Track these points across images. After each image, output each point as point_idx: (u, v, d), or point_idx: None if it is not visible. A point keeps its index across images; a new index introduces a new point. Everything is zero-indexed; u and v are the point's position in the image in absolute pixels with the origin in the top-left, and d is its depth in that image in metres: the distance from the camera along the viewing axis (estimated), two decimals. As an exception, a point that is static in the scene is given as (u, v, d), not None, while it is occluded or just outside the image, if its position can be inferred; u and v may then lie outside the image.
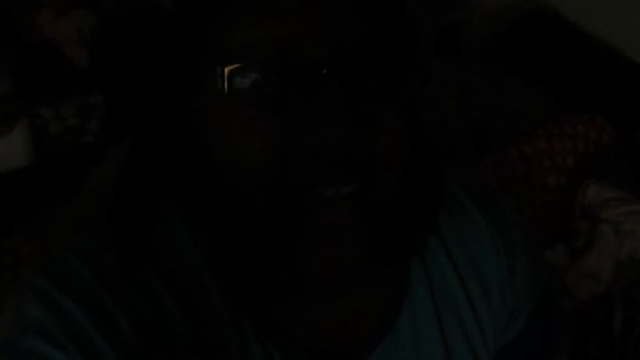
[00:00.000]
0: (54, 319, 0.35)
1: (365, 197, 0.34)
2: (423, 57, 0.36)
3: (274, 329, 0.40)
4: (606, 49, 1.45)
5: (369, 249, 0.36)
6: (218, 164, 0.35)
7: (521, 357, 0.49)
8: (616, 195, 1.12)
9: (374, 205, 0.35)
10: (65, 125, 1.26)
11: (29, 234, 1.07)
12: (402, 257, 0.44)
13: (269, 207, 0.34)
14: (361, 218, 0.34)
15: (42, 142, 1.25)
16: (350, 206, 0.34)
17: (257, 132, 0.33)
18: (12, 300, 0.47)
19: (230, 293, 0.39)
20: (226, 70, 0.33)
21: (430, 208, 0.43)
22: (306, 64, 0.33)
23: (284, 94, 0.33)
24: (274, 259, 0.37)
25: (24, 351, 0.35)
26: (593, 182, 1.16)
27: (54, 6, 1.41)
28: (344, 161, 0.33)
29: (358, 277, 0.41)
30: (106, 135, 1.25)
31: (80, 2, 1.41)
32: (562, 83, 1.41)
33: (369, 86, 0.34)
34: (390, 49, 0.34)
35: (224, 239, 0.40)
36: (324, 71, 0.32)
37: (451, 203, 0.47)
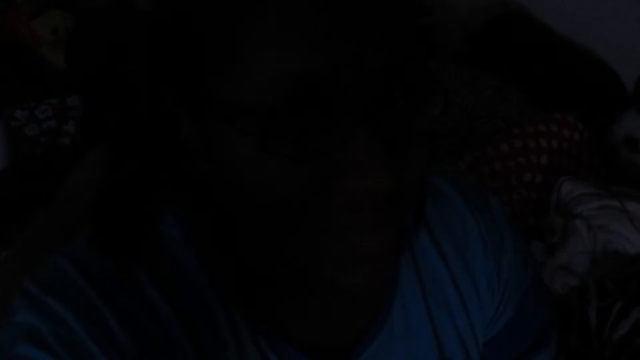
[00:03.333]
0: (46, 325, 0.35)
1: (402, 230, 0.34)
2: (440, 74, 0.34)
3: (268, 329, 0.40)
4: (578, 49, 1.48)
5: (393, 268, 0.36)
6: (240, 202, 0.33)
7: (509, 349, 0.49)
8: (589, 191, 1.15)
9: (405, 233, 0.35)
10: (41, 127, 1.24)
11: (6, 238, 1.06)
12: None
13: (302, 251, 0.33)
14: (397, 249, 0.34)
15: (18, 145, 1.23)
16: (393, 241, 0.33)
17: (291, 181, 0.31)
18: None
19: (225, 294, 0.39)
20: (250, 119, 0.29)
21: (417, 200, 0.43)
22: (337, 102, 0.30)
23: (316, 137, 0.30)
24: (296, 278, 0.36)
25: (16, 358, 0.34)
26: (567, 179, 1.19)
27: (28, 6, 1.38)
28: (385, 204, 0.31)
29: None
30: (84, 137, 1.23)
31: (55, 1, 1.38)
32: (535, 83, 1.43)
33: (398, 117, 0.31)
34: (416, 75, 0.32)
35: (231, 255, 0.39)
36: (356, 109, 0.30)
37: (437, 195, 0.47)
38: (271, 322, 0.40)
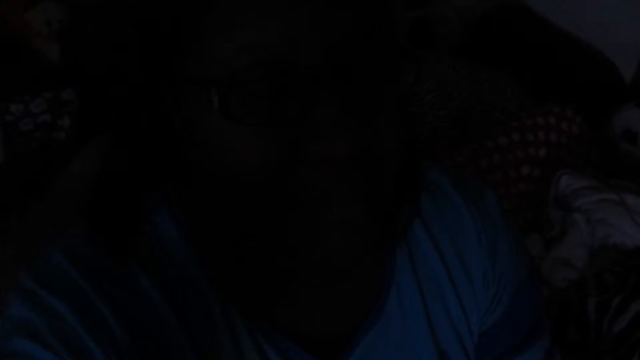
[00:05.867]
0: (42, 319, 0.35)
1: (373, 198, 0.34)
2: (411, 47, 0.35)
3: (263, 320, 0.40)
4: (576, 41, 1.48)
5: (372, 239, 0.36)
6: (216, 177, 0.34)
7: (503, 341, 0.49)
8: (587, 184, 1.15)
9: (379, 201, 0.35)
10: (36, 121, 1.23)
11: (1, 232, 1.05)
12: (389, 242, 0.44)
13: (273, 219, 0.34)
14: (369, 216, 0.34)
15: (13, 139, 1.22)
16: (360, 208, 0.33)
17: (257, 149, 0.31)
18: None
19: (220, 286, 0.39)
20: (213, 89, 0.31)
21: (412, 192, 0.44)
22: (301, 70, 0.31)
23: (281, 105, 0.31)
24: (273, 252, 0.36)
25: (11, 352, 0.34)
26: (565, 172, 1.19)
27: (21, -1, 1.37)
28: (352, 170, 0.32)
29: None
30: (79, 131, 1.22)
31: (48, -6, 1.37)
32: (533, 75, 1.43)
33: (366, 84, 0.32)
34: (383, 42, 0.32)
35: (218, 238, 0.39)
36: (320, 76, 0.31)
37: (432, 188, 0.47)
38: (266, 314, 0.40)
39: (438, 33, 1.62)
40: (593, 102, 1.36)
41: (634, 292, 0.97)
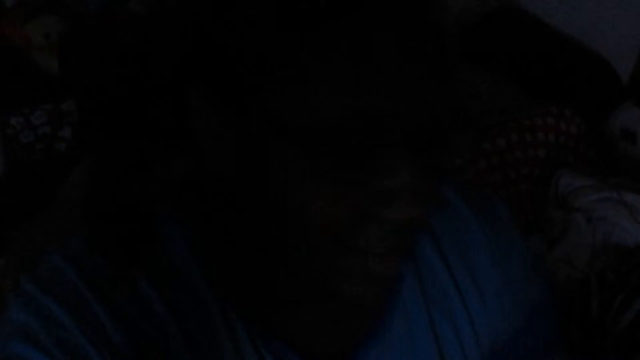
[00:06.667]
0: (40, 323, 0.35)
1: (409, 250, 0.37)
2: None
3: (266, 331, 0.40)
4: (572, 42, 1.48)
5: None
6: (264, 216, 0.35)
7: (518, 358, 0.48)
8: (587, 183, 1.15)
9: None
10: (36, 134, 1.23)
11: (3, 245, 1.05)
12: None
13: (316, 263, 0.35)
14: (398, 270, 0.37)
15: (14, 152, 1.22)
16: (397, 263, 0.36)
17: (332, 202, 0.32)
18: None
19: (223, 295, 0.39)
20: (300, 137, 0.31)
21: None
22: (393, 137, 0.32)
23: (366, 165, 0.32)
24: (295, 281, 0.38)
25: (8, 356, 0.34)
26: (564, 172, 1.19)
27: (19, 11, 1.37)
28: (407, 233, 0.34)
29: None
30: (79, 142, 1.22)
31: (47, 6, 1.38)
32: (531, 76, 1.43)
33: (438, 154, 0.34)
34: (453, 117, 0.34)
35: (229, 256, 0.40)
36: (406, 146, 0.32)
37: (441, 201, 0.46)
38: (270, 325, 0.40)
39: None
40: (591, 101, 1.37)
41: (637, 290, 0.97)
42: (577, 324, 0.96)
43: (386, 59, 0.32)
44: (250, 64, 0.33)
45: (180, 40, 0.36)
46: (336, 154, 0.32)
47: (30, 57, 1.35)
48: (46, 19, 1.36)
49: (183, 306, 0.38)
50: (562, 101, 1.30)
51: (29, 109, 1.24)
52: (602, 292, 0.97)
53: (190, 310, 0.38)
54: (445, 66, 0.34)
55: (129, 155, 0.38)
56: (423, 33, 0.33)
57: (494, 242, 0.46)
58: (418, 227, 0.35)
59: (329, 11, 0.31)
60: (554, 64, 1.46)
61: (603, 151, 1.32)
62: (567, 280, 1.03)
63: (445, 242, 0.45)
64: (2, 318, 0.37)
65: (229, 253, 0.40)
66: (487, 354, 0.47)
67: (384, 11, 0.32)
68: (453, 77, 0.35)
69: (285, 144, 0.32)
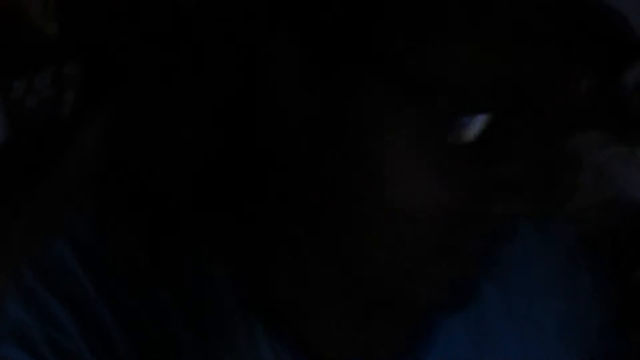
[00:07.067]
0: (38, 324, 0.33)
1: None
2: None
3: (286, 335, 0.38)
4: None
5: None
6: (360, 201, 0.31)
7: None
8: (600, 139, 1.14)
9: None
10: (40, 98, 1.22)
11: (11, 208, 1.05)
12: None
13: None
14: None
15: (18, 118, 1.21)
16: None
17: (444, 190, 0.30)
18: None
19: (243, 294, 0.37)
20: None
21: None
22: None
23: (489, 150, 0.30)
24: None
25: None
26: (577, 129, 1.17)
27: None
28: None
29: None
30: (83, 106, 1.21)
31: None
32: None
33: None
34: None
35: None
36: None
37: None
38: (290, 331, 0.38)
39: None
40: (603, 57, 1.33)
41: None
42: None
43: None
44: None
45: None
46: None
47: (27, 20, 1.32)
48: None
49: (199, 306, 0.36)
50: (572, 57, 1.27)
51: (32, 72, 1.22)
52: (613, 249, 0.97)
53: (207, 308, 0.36)
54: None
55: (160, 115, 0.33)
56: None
57: (559, 269, 0.43)
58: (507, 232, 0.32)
59: None
60: (564, 18, 1.42)
61: (615, 108, 1.29)
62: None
63: (502, 278, 0.41)
64: (1, 314, 0.35)
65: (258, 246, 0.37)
66: None
67: None
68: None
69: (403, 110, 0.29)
